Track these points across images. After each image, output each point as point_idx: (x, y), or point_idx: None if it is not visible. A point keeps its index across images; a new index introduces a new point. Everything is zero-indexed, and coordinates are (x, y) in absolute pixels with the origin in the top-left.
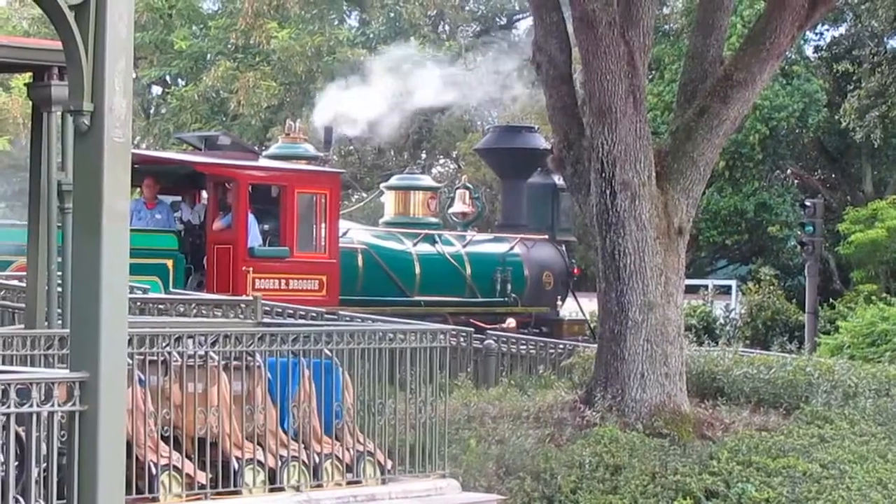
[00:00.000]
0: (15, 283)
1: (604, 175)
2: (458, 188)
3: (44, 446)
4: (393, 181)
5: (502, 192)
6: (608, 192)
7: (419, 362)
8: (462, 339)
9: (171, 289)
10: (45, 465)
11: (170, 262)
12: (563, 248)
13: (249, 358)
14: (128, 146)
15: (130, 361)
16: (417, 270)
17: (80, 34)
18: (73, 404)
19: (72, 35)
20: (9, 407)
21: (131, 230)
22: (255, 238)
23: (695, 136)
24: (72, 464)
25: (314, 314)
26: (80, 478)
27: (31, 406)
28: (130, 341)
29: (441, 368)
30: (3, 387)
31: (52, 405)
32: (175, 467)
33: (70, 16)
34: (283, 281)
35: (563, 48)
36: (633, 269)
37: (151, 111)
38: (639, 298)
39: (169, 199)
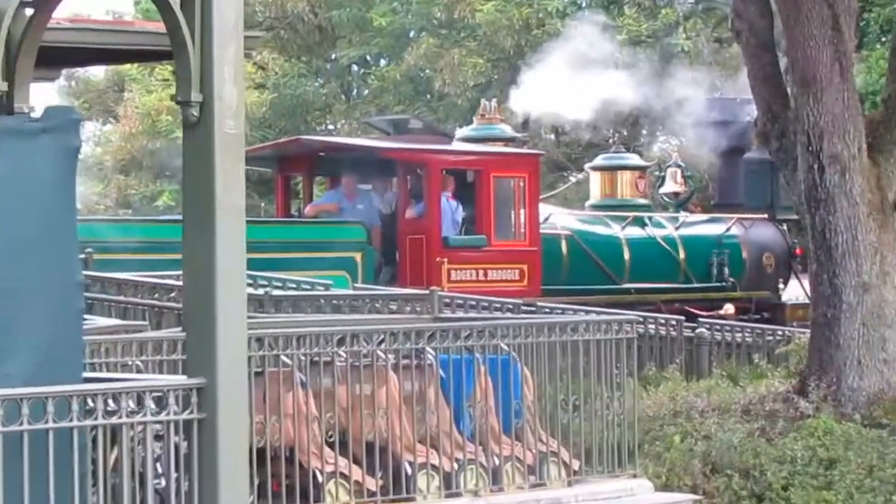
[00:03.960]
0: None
1: (811, 149)
2: (668, 166)
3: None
4: (598, 161)
5: (717, 168)
6: (816, 166)
7: (604, 354)
8: (672, 328)
9: (361, 283)
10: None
11: (358, 256)
12: (784, 227)
13: (421, 356)
14: (240, 137)
15: (289, 362)
16: (627, 256)
17: (185, 20)
18: (191, 412)
19: (177, 22)
20: (121, 416)
21: (315, 222)
22: (449, 227)
23: None
24: (191, 475)
25: (510, 306)
26: (200, 491)
27: (145, 415)
28: (293, 341)
29: (629, 360)
30: (103, 395)
31: (168, 414)
32: (342, 474)
33: (175, 2)
34: (481, 272)
35: (765, 14)
36: (846, 249)
37: (353, 93)
38: (852, 279)
39: (359, 188)
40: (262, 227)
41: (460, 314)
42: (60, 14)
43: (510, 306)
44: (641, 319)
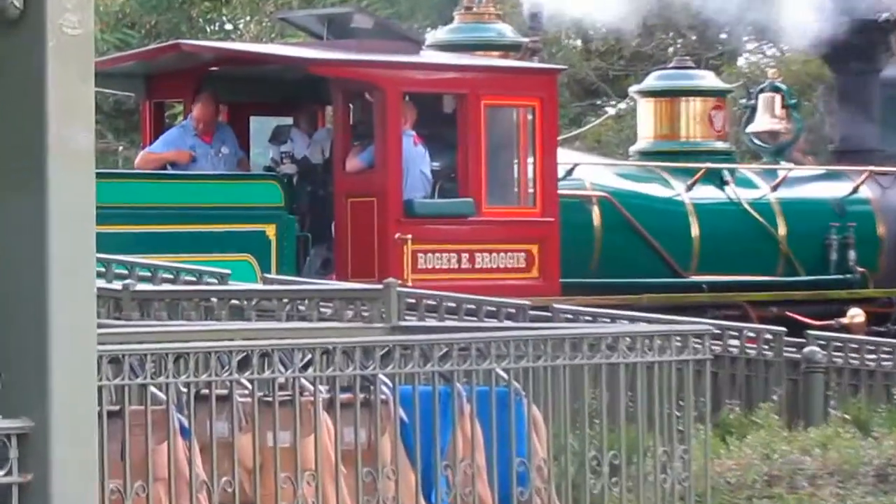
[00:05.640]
0: None
1: None
2: (761, 90)
3: None
4: (650, 82)
5: (839, 93)
6: None
7: (660, 387)
8: (766, 346)
9: (276, 273)
10: None
11: (271, 229)
12: None
13: (371, 387)
14: (87, 41)
15: (163, 396)
16: (695, 231)
17: None
18: (9, 473)
19: None
20: None
21: (203, 177)
22: (416, 184)
23: None
24: None
25: (511, 310)
26: None
27: None
28: (168, 363)
29: (699, 395)
30: None
31: None
32: None
33: None
34: (466, 256)
35: None
36: None
37: None
38: None
39: (272, 121)
40: (119, 185)
41: (432, 322)
42: None
43: (511, 310)
44: (718, 331)
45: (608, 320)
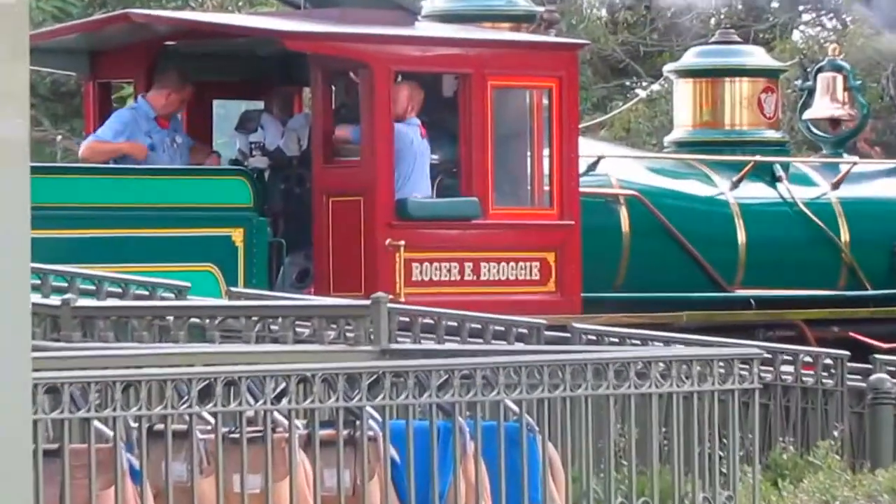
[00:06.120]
0: None
1: None
2: (819, 70)
3: None
4: (689, 60)
5: None
6: None
7: (699, 421)
8: (826, 373)
9: (244, 286)
10: None
11: (237, 234)
12: None
13: (356, 421)
14: (21, 11)
15: (109, 432)
16: (741, 237)
17: None
18: None
19: None
20: None
21: (156, 172)
22: (413, 180)
23: None
24: None
25: (524, 330)
26: None
27: None
28: (116, 392)
29: (747, 430)
30: None
31: None
32: None
33: None
34: (469, 266)
35: None
36: None
37: None
38: None
39: (240, 106)
40: (58, 181)
41: (429, 344)
42: None
43: (523, 330)
44: (769, 355)
45: (638, 342)
